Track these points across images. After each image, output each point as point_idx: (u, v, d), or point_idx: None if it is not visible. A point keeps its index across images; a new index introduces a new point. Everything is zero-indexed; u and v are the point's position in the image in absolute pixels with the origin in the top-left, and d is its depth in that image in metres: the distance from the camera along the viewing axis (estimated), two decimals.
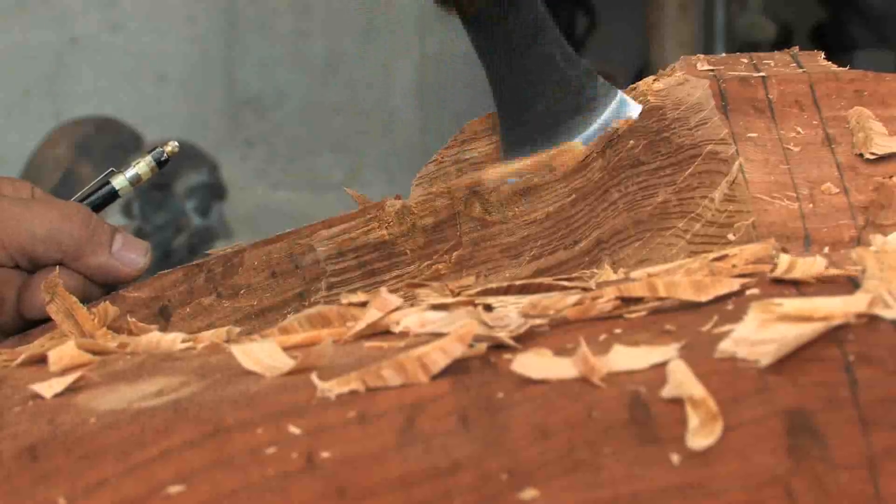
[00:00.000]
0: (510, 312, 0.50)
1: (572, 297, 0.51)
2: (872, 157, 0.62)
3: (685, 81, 0.67)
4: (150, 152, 0.75)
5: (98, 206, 0.74)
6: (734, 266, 0.53)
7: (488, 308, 0.51)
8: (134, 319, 0.68)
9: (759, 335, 0.46)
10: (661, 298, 0.50)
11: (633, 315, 0.50)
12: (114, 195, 0.74)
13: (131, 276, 0.72)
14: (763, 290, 0.51)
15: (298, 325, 0.52)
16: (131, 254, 0.71)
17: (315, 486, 0.43)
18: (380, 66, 2.78)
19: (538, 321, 0.49)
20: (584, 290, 0.52)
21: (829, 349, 0.45)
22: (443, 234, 0.73)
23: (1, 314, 0.71)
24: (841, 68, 0.68)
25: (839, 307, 0.47)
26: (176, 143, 0.75)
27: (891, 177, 0.62)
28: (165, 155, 0.74)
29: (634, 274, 0.54)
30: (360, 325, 0.52)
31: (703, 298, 0.50)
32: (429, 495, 0.43)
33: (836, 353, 0.45)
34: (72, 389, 0.50)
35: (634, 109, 0.67)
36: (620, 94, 0.69)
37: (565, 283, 0.55)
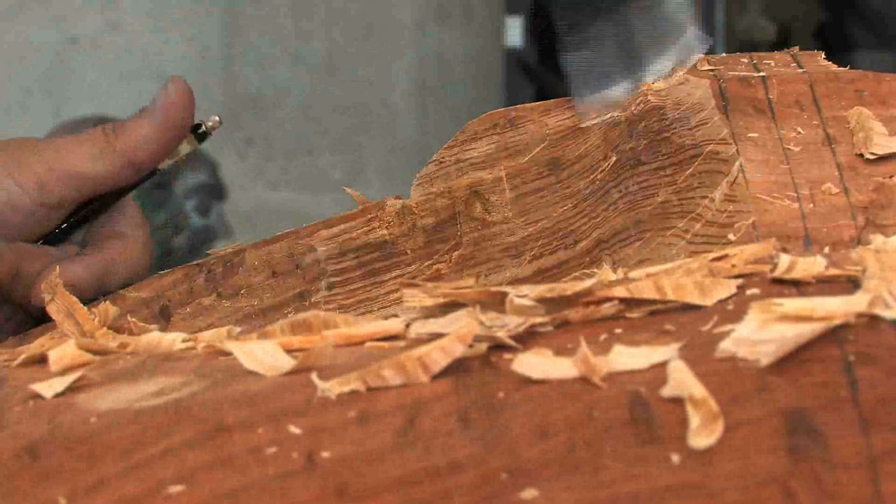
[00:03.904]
0: (526, 300, 0.50)
1: (588, 282, 0.51)
2: (872, 157, 0.62)
3: (685, 81, 0.67)
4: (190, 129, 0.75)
5: (135, 182, 0.74)
6: (734, 266, 0.53)
7: (504, 295, 0.51)
8: (134, 319, 0.68)
9: (759, 335, 0.46)
10: (667, 301, 0.50)
11: (634, 315, 0.50)
12: (153, 171, 0.74)
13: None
14: (763, 290, 0.51)
15: (280, 331, 0.52)
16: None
17: (315, 485, 0.43)
18: (380, 65, 2.79)
19: (540, 319, 0.50)
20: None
21: (829, 349, 0.45)
22: (443, 234, 0.73)
23: (18, 290, 0.70)
24: (841, 68, 0.68)
25: (839, 307, 0.47)
26: (217, 118, 0.75)
27: (891, 177, 0.62)
28: (205, 129, 0.74)
29: (633, 274, 0.54)
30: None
31: (709, 302, 0.50)
32: (429, 495, 0.43)
33: (836, 353, 0.45)
34: (72, 389, 0.50)
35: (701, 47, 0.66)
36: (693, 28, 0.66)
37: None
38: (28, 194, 0.71)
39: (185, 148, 0.74)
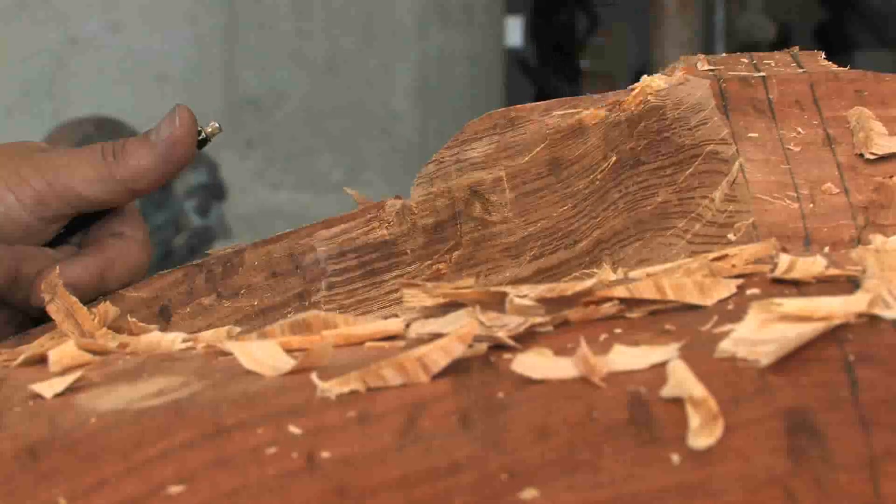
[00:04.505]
0: (526, 300, 0.50)
1: (588, 282, 0.51)
2: (873, 157, 0.62)
3: (685, 81, 0.67)
4: None
5: None
6: (734, 266, 0.53)
7: (504, 295, 0.51)
8: (134, 319, 0.68)
9: (759, 335, 0.46)
10: (667, 301, 0.50)
11: (634, 315, 0.50)
12: None
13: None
14: (763, 290, 0.51)
15: (280, 331, 0.52)
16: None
17: (315, 486, 0.43)
18: (380, 66, 2.79)
19: (540, 319, 0.49)
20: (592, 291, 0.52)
21: (829, 349, 0.45)
22: (443, 234, 0.73)
23: (18, 292, 0.71)
24: (841, 68, 0.68)
25: (839, 307, 0.47)
26: (216, 124, 0.75)
27: (891, 177, 0.62)
28: (204, 135, 0.74)
29: (633, 274, 0.54)
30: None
31: (709, 302, 0.50)
32: (429, 495, 0.43)
33: (836, 353, 0.45)
34: (72, 389, 0.50)
35: None
36: None
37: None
38: (26, 208, 0.71)
39: None
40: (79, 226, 0.74)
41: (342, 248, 0.73)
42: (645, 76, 0.69)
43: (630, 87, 0.70)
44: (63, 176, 0.71)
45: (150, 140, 0.72)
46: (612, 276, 0.56)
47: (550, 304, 0.50)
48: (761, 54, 0.70)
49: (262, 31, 2.69)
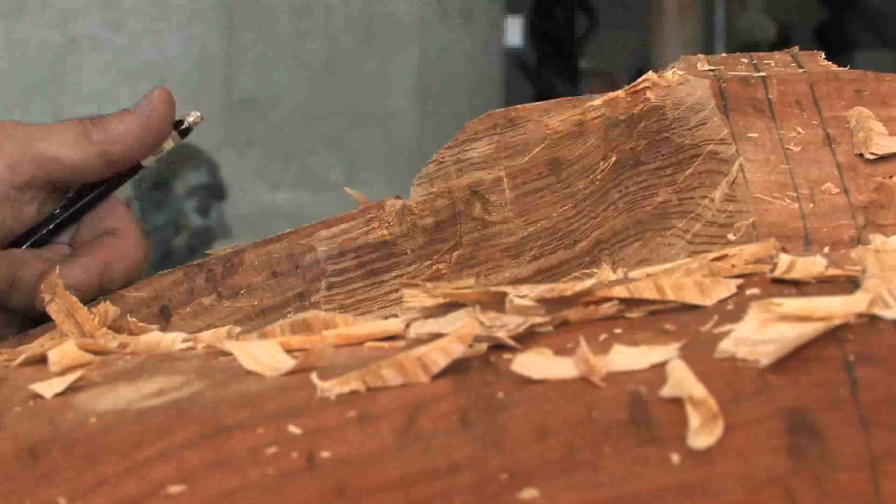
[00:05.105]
0: (526, 300, 0.50)
1: (588, 282, 0.51)
2: (872, 157, 0.62)
3: (685, 81, 0.67)
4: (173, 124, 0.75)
5: (121, 179, 0.74)
6: (734, 266, 0.53)
7: (504, 295, 0.51)
8: (134, 319, 0.68)
9: (759, 335, 0.46)
10: (667, 301, 0.50)
11: (634, 315, 0.50)
12: (137, 167, 0.75)
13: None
14: (763, 290, 0.51)
15: (280, 331, 0.52)
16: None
17: (315, 486, 0.43)
18: (379, 66, 2.79)
19: (540, 319, 0.49)
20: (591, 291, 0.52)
21: (829, 349, 0.45)
22: (443, 234, 0.73)
23: (15, 296, 0.70)
24: (841, 68, 0.68)
25: (839, 307, 0.47)
26: (198, 113, 0.75)
27: (891, 177, 0.62)
28: (186, 124, 0.74)
29: (633, 274, 0.54)
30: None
31: (709, 302, 0.50)
32: (429, 495, 0.43)
33: (836, 353, 0.45)
34: (72, 389, 0.50)
35: None
36: None
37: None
38: (0, 176, 0.71)
39: (168, 144, 0.74)
40: (67, 221, 0.74)
41: (342, 248, 0.73)
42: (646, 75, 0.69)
43: (630, 86, 0.70)
44: (39, 140, 0.71)
45: (128, 111, 0.73)
46: (612, 276, 0.56)
47: (550, 304, 0.50)
48: (761, 54, 0.70)
49: (262, 32, 2.69)
